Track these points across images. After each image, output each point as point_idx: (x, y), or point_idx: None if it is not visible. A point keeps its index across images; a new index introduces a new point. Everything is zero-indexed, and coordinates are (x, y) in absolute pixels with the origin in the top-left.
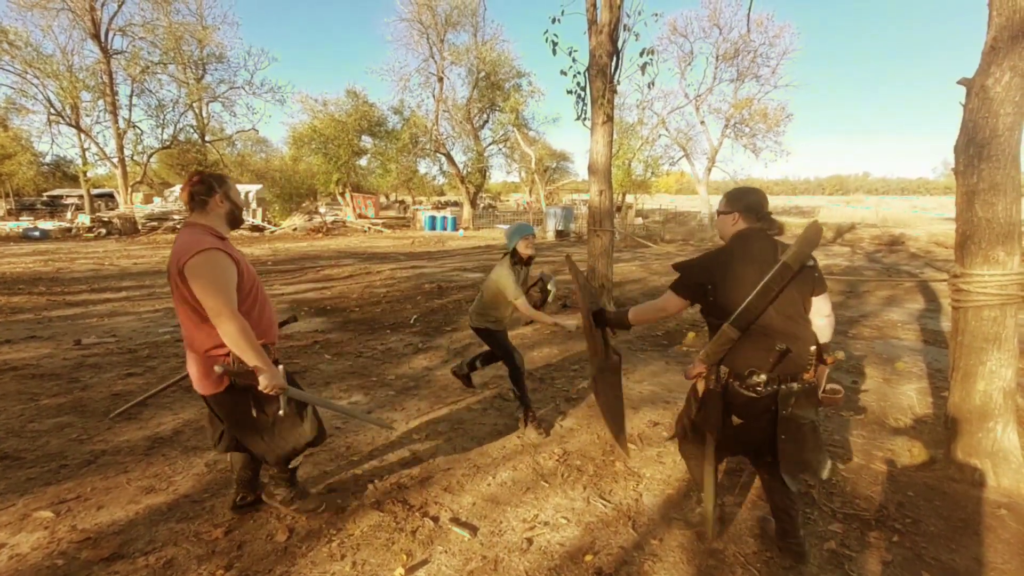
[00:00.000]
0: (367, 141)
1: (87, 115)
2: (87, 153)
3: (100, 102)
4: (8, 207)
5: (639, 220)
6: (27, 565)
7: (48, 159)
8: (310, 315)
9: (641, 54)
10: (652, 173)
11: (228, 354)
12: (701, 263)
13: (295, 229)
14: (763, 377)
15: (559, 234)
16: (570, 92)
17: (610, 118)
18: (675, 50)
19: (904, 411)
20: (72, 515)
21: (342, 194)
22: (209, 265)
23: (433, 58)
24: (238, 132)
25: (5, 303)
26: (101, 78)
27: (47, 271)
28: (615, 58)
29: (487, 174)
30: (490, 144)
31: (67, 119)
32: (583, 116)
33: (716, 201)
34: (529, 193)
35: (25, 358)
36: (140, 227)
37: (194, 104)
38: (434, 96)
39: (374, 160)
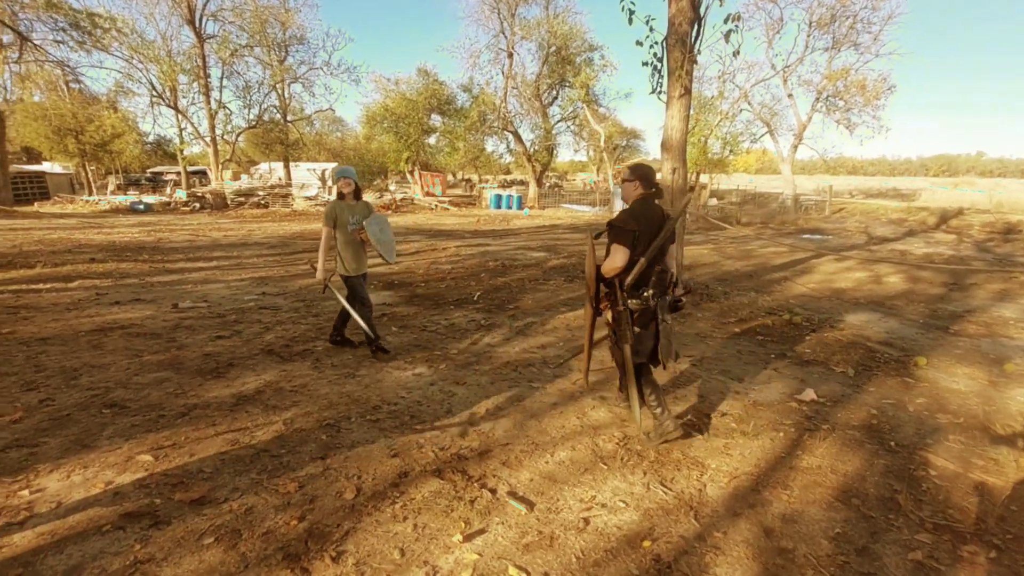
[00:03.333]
0: (436, 120)
1: (184, 97)
2: (183, 132)
3: (195, 84)
4: (117, 182)
5: (713, 201)
6: (129, 502)
7: (151, 138)
8: (378, 288)
9: (725, 20)
10: (731, 151)
11: None
12: (627, 220)
13: None
14: (651, 291)
15: None
16: (645, 64)
17: (688, 91)
18: (763, 17)
19: (1012, 417)
20: (168, 460)
21: (411, 172)
22: None
23: (503, 33)
24: (316, 112)
25: (115, 269)
26: (196, 62)
27: (150, 241)
28: (696, 26)
29: (554, 152)
30: (558, 121)
31: (167, 101)
32: (658, 89)
33: (801, 182)
34: (597, 172)
35: (131, 318)
36: (229, 202)
37: (277, 85)
38: (503, 73)
39: (442, 138)
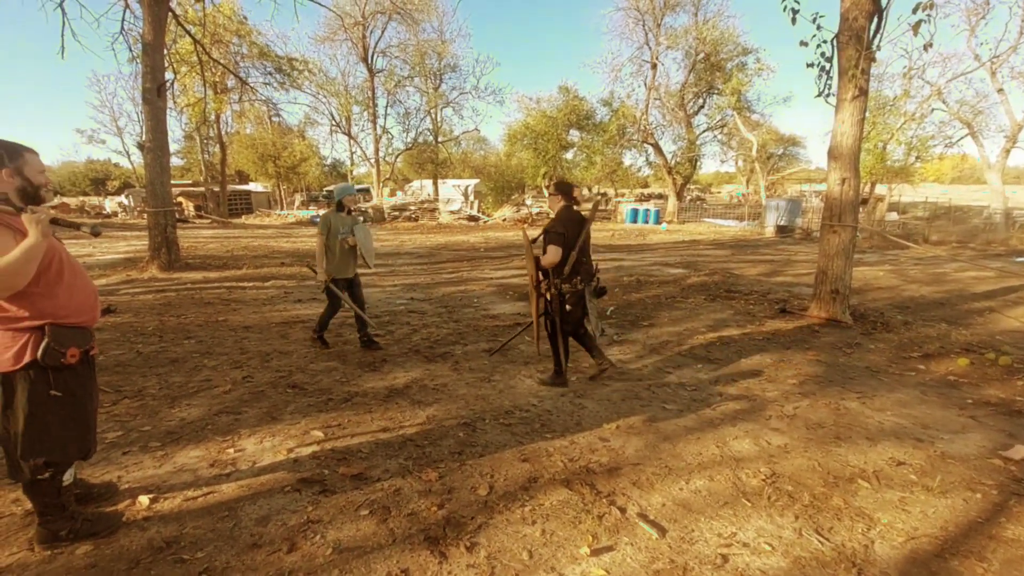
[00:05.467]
0: (574, 135)
1: (355, 124)
2: (354, 155)
3: (365, 113)
4: (302, 199)
5: (893, 215)
6: (304, 470)
7: (328, 161)
8: (513, 299)
9: (915, 10)
10: (917, 157)
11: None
12: (556, 225)
13: (504, 219)
14: (579, 278)
15: (780, 230)
16: (811, 65)
17: (863, 92)
18: (962, 1)
19: None
20: (334, 439)
21: (547, 187)
22: None
23: (648, 44)
24: (464, 132)
25: (298, 272)
26: (367, 93)
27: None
28: (875, 19)
29: (697, 164)
30: (704, 131)
31: (342, 129)
32: (826, 92)
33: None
34: (746, 184)
35: (309, 314)
36: (386, 216)
37: (432, 110)
38: (645, 84)
39: (579, 153)
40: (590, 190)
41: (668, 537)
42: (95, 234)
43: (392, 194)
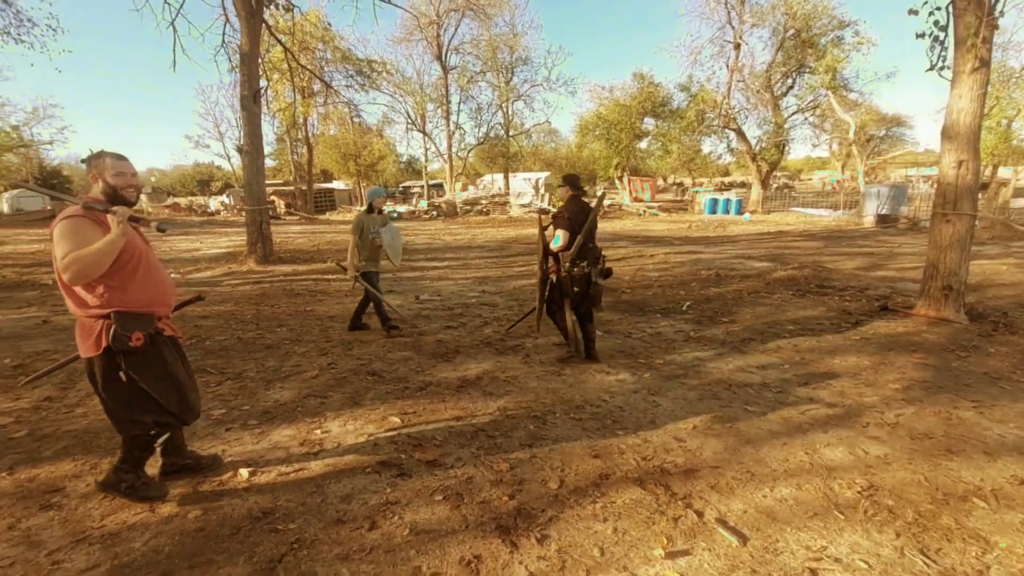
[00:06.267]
0: (649, 123)
1: (429, 121)
2: (428, 152)
3: (438, 110)
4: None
5: (1020, 201)
6: (383, 453)
7: (404, 158)
8: None
9: None
10: None
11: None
12: (564, 213)
13: None
14: (586, 262)
15: (882, 219)
16: (921, 36)
17: (984, 63)
18: None
19: None
20: (410, 425)
21: (620, 178)
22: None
23: (730, 23)
24: (535, 125)
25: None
26: (440, 91)
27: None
28: None
29: (785, 149)
30: (793, 114)
31: (417, 126)
32: (939, 65)
33: None
34: (842, 169)
35: (388, 306)
36: (458, 210)
37: (503, 104)
38: (727, 66)
39: (654, 142)
40: (665, 180)
41: (749, 546)
42: (161, 231)
43: (464, 188)
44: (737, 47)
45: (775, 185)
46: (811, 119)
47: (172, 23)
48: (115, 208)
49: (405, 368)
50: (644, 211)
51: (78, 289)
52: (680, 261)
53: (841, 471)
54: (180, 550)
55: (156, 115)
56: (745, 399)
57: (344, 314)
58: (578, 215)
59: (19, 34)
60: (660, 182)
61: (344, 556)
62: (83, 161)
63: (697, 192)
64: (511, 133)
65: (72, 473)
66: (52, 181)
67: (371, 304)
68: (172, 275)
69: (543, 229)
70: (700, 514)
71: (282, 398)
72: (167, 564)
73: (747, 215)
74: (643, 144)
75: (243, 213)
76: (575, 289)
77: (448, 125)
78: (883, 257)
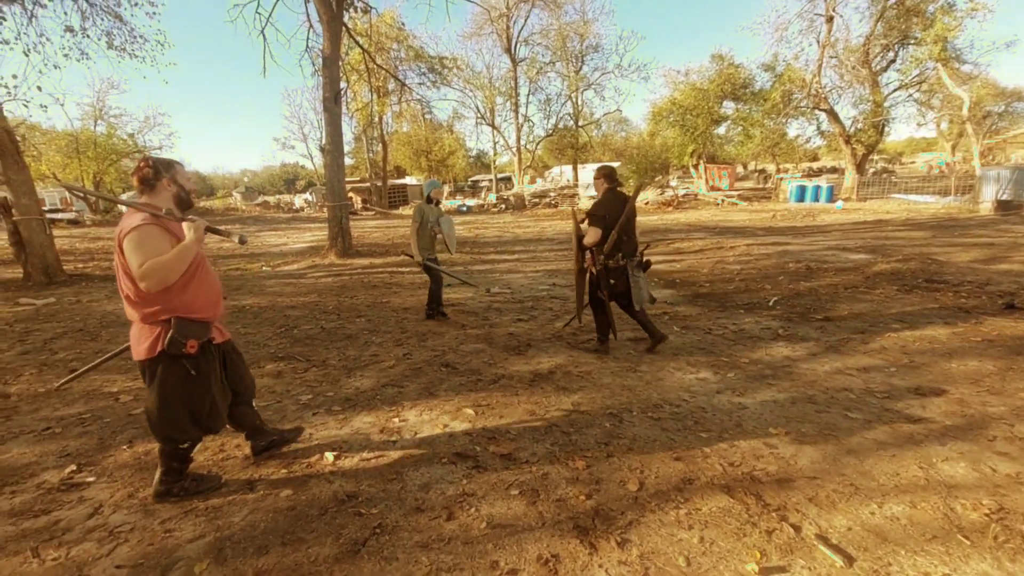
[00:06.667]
0: (728, 107)
1: (498, 115)
2: (496, 145)
3: (507, 103)
4: (449, 189)
5: None
6: (458, 444)
7: (473, 153)
8: (659, 286)
9: None
10: None
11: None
12: (598, 208)
13: (647, 203)
14: (621, 254)
15: (1002, 206)
16: None
17: None
18: None
19: None
20: (484, 417)
21: (695, 166)
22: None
23: None
24: (605, 114)
25: (447, 259)
26: (509, 84)
27: (470, 236)
28: None
29: (884, 130)
30: (895, 90)
31: (487, 120)
32: None
33: None
34: (952, 151)
35: (459, 298)
36: (526, 203)
37: (572, 94)
38: (818, 41)
39: (734, 127)
40: (744, 167)
41: (857, 567)
42: (242, 242)
43: (532, 181)
44: (830, 20)
45: (872, 170)
46: (916, 95)
47: (262, 31)
48: (193, 218)
49: (478, 360)
50: (722, 200)
51: (144, 295)
52: (765, 253)
53: (964, 490)
54: (274, 527)
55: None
56: (845, 404)
57: (417, 306)
58: (612, 209)
59: (133, 50)
60: (739, 169)
61: (424, 544)
62: (143, 167)
63: (782, 179)
64: (580, 123)
65: None
66: None
67: (434, 285)
68: (263, 268)
69: (579, 223)
70: (797, 528)
71: (362, 386)
72: (262, 539)
73: (840, 203)
74: (721, 129)
75: (324, 210)
76: (611, 282)
77: (517, 118)
78: (1005, 249)
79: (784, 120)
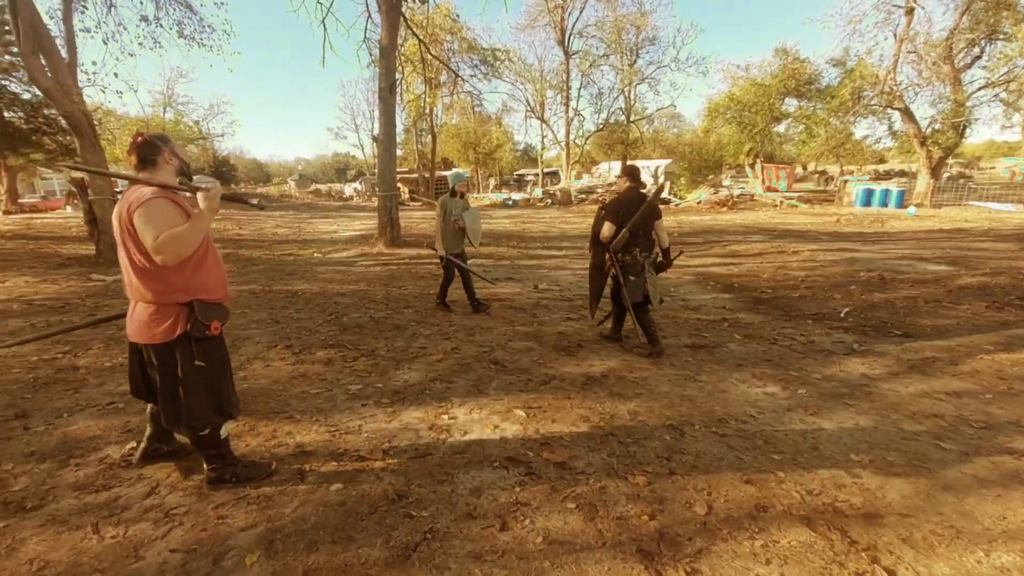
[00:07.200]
0: (790, 104)
1: (548, 108)
2: (544, 140)
3: (558, 97)
4: (496, 182)
5: None
6: (510, 448)
7: (521, 146)
8: (716, 290)
9: None
10: None
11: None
12: (613, 205)
13: (699, 202)
14: (638, 250)
15: None
16: None
17: None
18: None
19: None
20: (535, 421)
21: (751, 165)
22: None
23: None
24: (658, 110)
25: (493, 252)
26: (561, 77)
27: (516, 230)
28: None
29: (965, 131)
30: (979, 89)
31: (536, 114)
32: None
33: None
34: None
35: (507, 293)
36: (573, 198)
37: (625, 88)
38: (895, 35)
39: (795, 125)
40: (804, 168)
41: None
42: (260, 207)
43: (579, 177)
44: (910, 12)
45: (946, 174)
46: (1002, 95)
47: (323, 21)
48: (207, 185)
49: (527, 359)
50: (781, 201)
51: (162, 273)
52: (831, 259)
53: None
54: (324, 522)
55: (303, 110)
56: (936, 433)
57: (464, 299)
58: (628, 207)
59: (201, 39)
60: (799, 170)
61: (476, 555)
62: (140, 143)
63: (848, 181)
64: (632, 118)
65: (234, 433)
66: (222, 169)
67: (460, 280)
68: (314, 254)
69: (599, 219)
70: (891, 573)
71: (410, 379)
72: (312, 535)
73: (911, 209)
74: (781, 127)
75: (374, 199)
76: (631, 277)
77: (567, 112)
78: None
79: (852, 119)
